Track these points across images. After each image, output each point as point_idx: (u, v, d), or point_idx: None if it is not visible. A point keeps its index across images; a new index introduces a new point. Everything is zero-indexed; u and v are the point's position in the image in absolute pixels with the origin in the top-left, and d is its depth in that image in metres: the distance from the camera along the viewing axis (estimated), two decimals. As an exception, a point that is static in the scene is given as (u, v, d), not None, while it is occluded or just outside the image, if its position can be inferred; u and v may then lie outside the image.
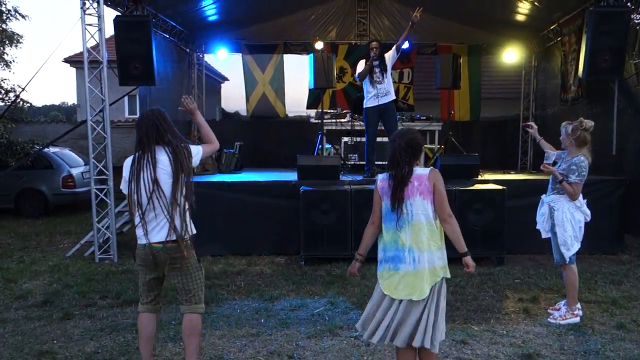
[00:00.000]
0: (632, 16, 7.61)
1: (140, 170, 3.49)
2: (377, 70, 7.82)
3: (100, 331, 4.81)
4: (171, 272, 3.62)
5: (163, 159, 3.53)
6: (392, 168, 3.34)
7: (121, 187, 3.62)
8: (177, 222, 3.51)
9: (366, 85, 7.96)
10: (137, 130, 3.63)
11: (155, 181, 3.47)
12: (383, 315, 3.31)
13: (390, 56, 7.86)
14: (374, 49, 7.81)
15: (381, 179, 3.44)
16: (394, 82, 8.15)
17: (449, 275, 3.33)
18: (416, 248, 3.26)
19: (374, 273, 3.50)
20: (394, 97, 7.95)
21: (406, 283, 3.25)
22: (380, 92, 7.84)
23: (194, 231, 3.67)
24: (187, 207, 3.57)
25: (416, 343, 3.20)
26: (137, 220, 3.51)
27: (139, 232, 3.53)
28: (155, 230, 3.51)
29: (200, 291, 3.72)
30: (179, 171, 3.52)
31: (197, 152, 3.76)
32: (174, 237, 3.48)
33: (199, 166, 9.34)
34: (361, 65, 8.01)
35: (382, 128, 8.19)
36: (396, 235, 3.31)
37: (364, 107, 8.05)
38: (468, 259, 3.41)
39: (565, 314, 4.96)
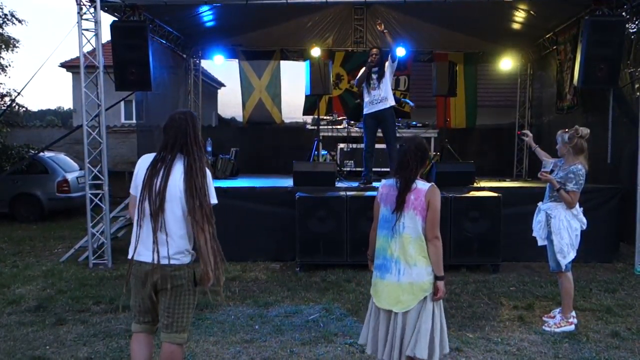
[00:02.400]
0: (627, 26, 7.66)
1: (154, 177, 3.09)
2: (373, 76, 7.84)
3: (93, 337, 4.78)
4: (159, 292, 3.15)
5: (179, 170, 3.11)
6: (400, 171, 3.34)
7: (131, 190, 3.24)
8: (180, 242, 3.10)
9: (364, 93, 7.98)
10: (165, 133, 3.21)
11: (164, 194, 3.06)
12: (385, 329, 3.29)
13: (388, 65, 7.86)
14: (373, 55, 7.84)
15: (383, 184, 3.45)
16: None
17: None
18: (403, 261, 3.26)
19: (369, 280, 3.51)
20: (392, 104, 7.94)
21: (388, 293, 3.26)
22: (375, 99, 7.85)
23: (194, 255, 3.22)
24: (192, 229, 3.10)
25: (409, 351, 3.19)
26: (136, 230, 3.12)
27: (135, 245, 3.13)
28: (152, 247, 3.06)
29: (186, 318, 3.20)
30: (192, 188, 3.06)
31: (212, 191, 3.22)
32: (172, 262, 3.07)
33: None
34: (362, 72, 8.03)
35: (380, 135, 8.21)
36: (386, 243, 3.32)
37: (363, 113, 8.08)
38: (441, 284, 3.29)
39: (560, 321, 4.96)
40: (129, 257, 3.15)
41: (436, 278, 3.28)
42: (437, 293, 3.27)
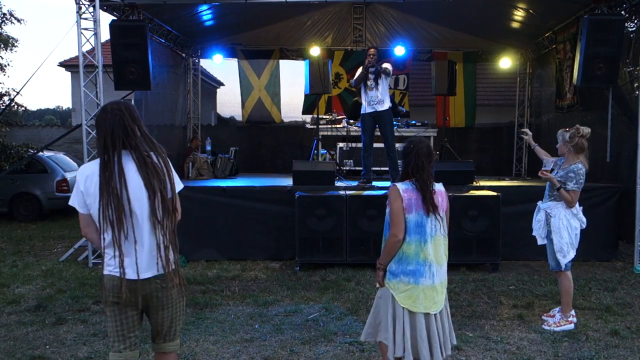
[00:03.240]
0: (626, 24, 7.65)
1: (109, 182, 2.71)
2: (371, 77, 7.81)
3: (93, 336, 4.78)
4: (149, 306, 2.90)
5: (131, 168, 2.77)
6: (417, 173, 3.30)
7: (71, 202, 2.84)
8: (161, 249, 2.80)
9: (362, 93, 7.98)
10: (98, 129, 2.82)
11: (128, 198, 2.73)
12: (427, 333, 3.26)
13: (383, 77, 7.81)
14: (370, 55, 7.82)
15: (405, 189, 3.28)
16: (390, 88, 8.14)
17: None
18: (436, 263, 3.29)
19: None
20: (390, 106, 7.93)
21: (425, 297, 3.25)
22: (372, 100, 7.83)
23: (176, 258, 2.92)
24: (170, 229, 2.84)
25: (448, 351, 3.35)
26: (109, 246, 2.77)
27: (111, 261, 2.77)
28: (133, 261, 2.75)
29: (180, 324, 3.03)
30: (152, 187, 2.77)
31: (176, 178, 2.92)
32: (158, 273, 2.81)
33: (194, 171, 9.37)
34: (359, 72, 8.03)
35: (378, 134, 8.21)
36: (420, 248, 3.26)
37: (361, 113, 8.08)
38: None
39: (559, 320, 4.97)
40: (108, 273, 2.80)
41: None
42: None
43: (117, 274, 2.75)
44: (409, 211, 3.24)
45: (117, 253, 2.74)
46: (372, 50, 7.95)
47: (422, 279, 3.26)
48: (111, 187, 2.71)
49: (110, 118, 2.79)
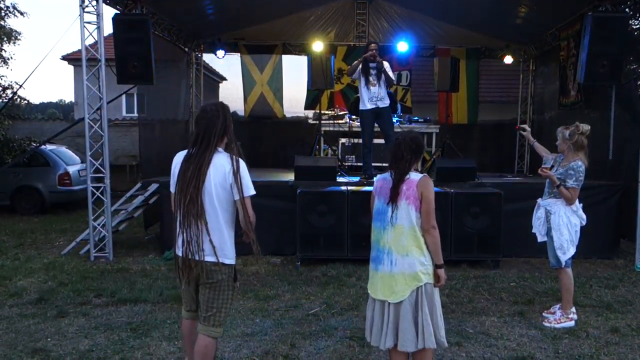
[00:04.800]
0: (630, 22, 7.62)
1: (189, 171, 3.15)
2: (372, 72, 7.79)
3: (94, 329, 4.79)
4: (201, 285, 3.31)
5: (212, 164, 3.16)
6: (394, 163, 3.37)
7: (170, 188, 3.34)
8: (219, 237, 3.24)
9: (362, 88, 7.93)
10: (196, 125, 3.29)
11: (205, 188, 3.15)
12: (380, 319, 3.32)
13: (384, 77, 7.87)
14: (373, 51, 7.78)
15: (378, 178, 3.50)
16: (393, 83, 8.15)
17: (432, 282, 3.31)
18: (395, 251, 3.29)
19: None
20: (389, 102, 7.92)
21: (383, 284, 3.30)
22: (374, 97, 7.81)
23: (234, 255, 3.41)
24: (233, 225, 3.32)
25: (420, 345, 3.24)
26: (178, 226, 3.20)
27: (178, 241, 3.23)
28: (192, 243, 3.19)
29: (224, 312, 3.33)
30: (221, 182, 3.18)
31: (247, 187, 3.23)
32: (210, 259, 3.22)
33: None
34: (355, 63, 8.01)
35: (378, 129, 8.20)
36: (380, 235, 3.36)
37: (360, 109, 8.06)
38: (441, 272, 3.33)
39: (560, 317, 4.97)
40: (177, 252, 3.26)
41: (436, 266, 3.32)
42: (438, 281, 3.33)
43: (179, 253, 3.22)
44: (376, 198, 3.46)
45: (182, 234, 3.17)
46: (373, 45, 7.90)
47: (380, 266, 3.34)
48: (187, 177, 3.14)
49: (208, 118, 3.21)
